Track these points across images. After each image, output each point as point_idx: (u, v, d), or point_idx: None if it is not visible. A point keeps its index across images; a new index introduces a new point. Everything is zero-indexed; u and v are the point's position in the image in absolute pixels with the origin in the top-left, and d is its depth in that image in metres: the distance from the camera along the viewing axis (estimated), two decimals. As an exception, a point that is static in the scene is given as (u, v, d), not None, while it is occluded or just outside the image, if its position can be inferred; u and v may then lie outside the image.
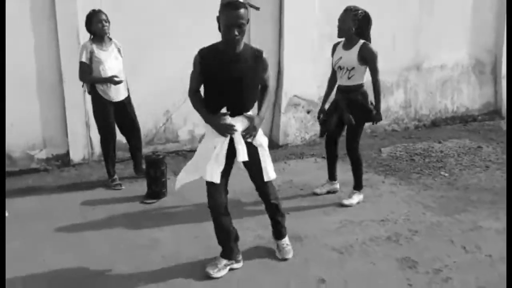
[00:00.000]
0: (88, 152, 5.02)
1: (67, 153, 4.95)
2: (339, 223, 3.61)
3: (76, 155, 4.96)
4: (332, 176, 4.30)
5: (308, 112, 6.08)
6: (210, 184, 2.79)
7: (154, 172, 4.03)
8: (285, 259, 3.08)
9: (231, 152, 2.78)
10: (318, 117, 4.15)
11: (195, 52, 2.78)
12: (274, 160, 5.23)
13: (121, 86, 4.22)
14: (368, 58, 3.77)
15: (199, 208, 3.68)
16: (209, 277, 2.86)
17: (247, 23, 2.63)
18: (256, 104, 2.94)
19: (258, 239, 3.36)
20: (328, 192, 4.26)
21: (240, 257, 3.02)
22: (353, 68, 3.79)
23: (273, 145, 5.96)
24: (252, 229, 3.47)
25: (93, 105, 4.26)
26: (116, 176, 4.44)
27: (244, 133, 2.76)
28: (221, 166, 2.75)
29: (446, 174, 4.78)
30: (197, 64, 2.75)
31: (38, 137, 4.84)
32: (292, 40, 5.86)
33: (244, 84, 2.75)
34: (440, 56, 7.33)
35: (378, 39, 6.38)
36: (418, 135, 6.65)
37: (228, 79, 2.70)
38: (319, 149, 5.69)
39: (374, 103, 3.87)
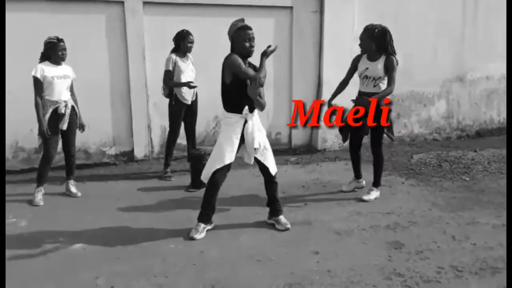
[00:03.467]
0: (149, 151, 5.95)
1: (132, 151, 5.89)
2: (348, 213, 4.11)
3: (139, 153, 5.89)
4: (357, 175, 4.77)
5: (346, 120, 6.56)
6: (221, 168, 3.57)
7: (197, 165, 4.79)
8: (287, 228, 3.72)
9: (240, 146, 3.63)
10: (329, 105, 4.60)
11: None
12: (309, 162, 5.88)
13: (193, 90, 5.11)
14: (389, 68, 4.23)
15: (230, 197, 4.38)
16: (193, 238, 3.57)
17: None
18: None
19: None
20: (355, 189, 4.73)
21: (212, 221, 3.77)
22: (379, 77, 4.28)
23: (312, 150, 6.52)
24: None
25: (170, 106, 5.12)
26: (169, 169, 5.27)
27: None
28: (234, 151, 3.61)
29: (467, 179, 5.04)
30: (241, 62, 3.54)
31: (109, 136, 5.82)
32: (331, 55, 6.44)
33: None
34: (485, 67, 7.44)
35: (420, 51, 6.81)
36: (458, 144, 6.81)
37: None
38: (353, 154, 6.15)
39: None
